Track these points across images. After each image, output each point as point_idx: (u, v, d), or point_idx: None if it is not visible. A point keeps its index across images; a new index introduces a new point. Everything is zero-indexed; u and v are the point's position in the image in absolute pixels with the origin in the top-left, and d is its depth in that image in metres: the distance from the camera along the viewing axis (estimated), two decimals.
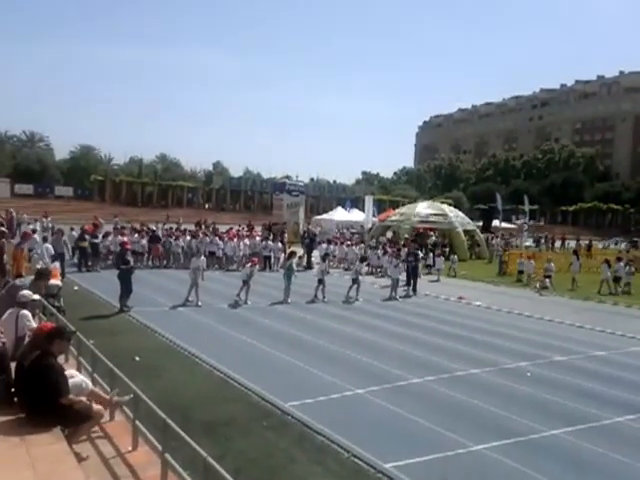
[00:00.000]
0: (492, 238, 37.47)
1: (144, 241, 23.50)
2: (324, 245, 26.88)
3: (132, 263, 15.53)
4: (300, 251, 25.12)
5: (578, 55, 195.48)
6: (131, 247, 22.85)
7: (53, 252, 17.25)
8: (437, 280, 23.84)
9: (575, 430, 7.66)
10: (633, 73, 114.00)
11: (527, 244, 42.14)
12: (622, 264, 22.70)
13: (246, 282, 16.11)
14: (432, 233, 33.76)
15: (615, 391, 9.49)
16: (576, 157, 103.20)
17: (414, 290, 19.38)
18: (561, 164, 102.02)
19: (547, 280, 22.24)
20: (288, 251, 19.92)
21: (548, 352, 11.94)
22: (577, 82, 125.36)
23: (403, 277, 20.01)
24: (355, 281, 17.70)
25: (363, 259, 21.02)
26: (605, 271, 22.35)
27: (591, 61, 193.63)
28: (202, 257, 17.11)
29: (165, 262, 23.77)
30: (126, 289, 14.28)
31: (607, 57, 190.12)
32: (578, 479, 6.28)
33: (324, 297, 17.08)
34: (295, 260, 18.98)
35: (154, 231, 25.02)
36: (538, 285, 22.17)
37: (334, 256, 26.47)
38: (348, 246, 27.48)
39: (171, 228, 27.18)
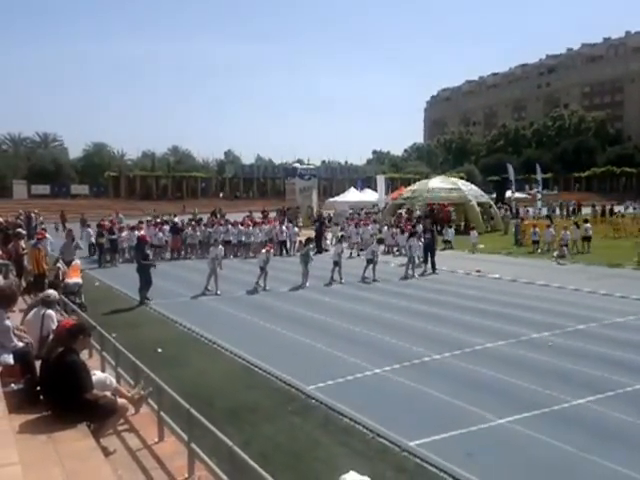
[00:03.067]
0: (506, 209, 36.96)
1: (160, 234, 23.63)
2: (339, 227, 26.69)
3: (151, 257, 15.60)
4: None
5: (583, 18, 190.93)
6: (150, 240, 23.16)
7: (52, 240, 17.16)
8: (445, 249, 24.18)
9: (600, 399, 7.51)
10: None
11: (533, 213, 41.45)
12: (589, 225, 24.34)
13: (263, 268, 16.09)
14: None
15: (638, 357, 9.27)
16: (586, 122, 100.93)
17: (433, 267, 19.11)
18: (572, 130, 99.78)
19: (564, 248, 21.91)
20: (305, 238, 19.78)
21: (568, 321, 11.72)
22: (583, 45, 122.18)
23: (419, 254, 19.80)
24: (371, 261, 17.55)
25: (380, 241, 20.81)
26: (575, 232, 23.72)
27: (596, 23, 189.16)
28: (220, 246, 17.09)
29: (183, 253, 23.87)
30: (145, 282, 14.34)
31: (613, 18, 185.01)
32: (606, 448, 6.13)
33: (341, 279, 16.99)
34: (312, 246, 18.84)
35: (175, 223, 25.05)
36: (556, 254, 21.84)
37: (349, 237, 26.27)
38: (361, 226, 27.24)
39: (183, 221, 27.16)
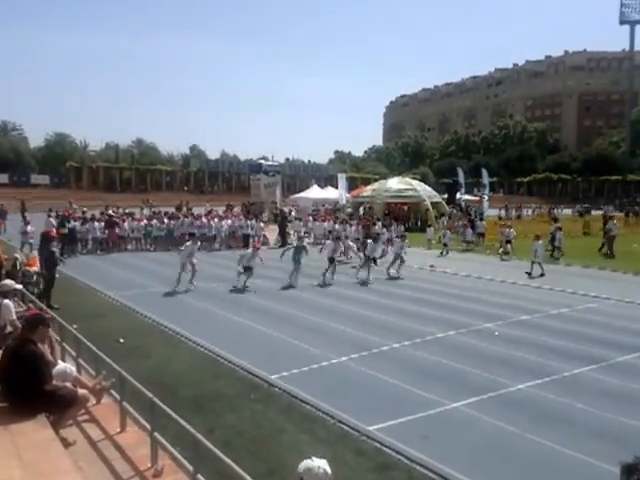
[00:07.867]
0: (457, 210, 37.58)
1: (126, 225, 22.96)
2: (300, 223, 26.45)
3: (57, 254, 13.55)
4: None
5: (528, 35, 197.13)
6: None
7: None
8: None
9: (540, 383, 7.72)
10: (577, 53, 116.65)
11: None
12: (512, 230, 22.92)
13: (250, 268, 14.59)
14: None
15: (574, 345, 9.55)
16: (529, 132, 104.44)
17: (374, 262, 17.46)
18: (516, 138, 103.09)
19: (508, 245, 22.36)
20: (296, 244, 18.00)
21: (513, 312, 11.95)
22: (527, 62, 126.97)
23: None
24: (332, 260, 16.33)
25: (337, 238, 20.36)
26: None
27: (540, 41, 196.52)
28: (197, 243, 16.08)
29: (152, 247, 23.18)
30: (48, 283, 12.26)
31: (553, 37, 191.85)
32: (546, 428, 6.27)
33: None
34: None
35: (111, 216, 24.01)
36: (500, 251, 22.30)
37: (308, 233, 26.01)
38: (314, 221, 27.11)
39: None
